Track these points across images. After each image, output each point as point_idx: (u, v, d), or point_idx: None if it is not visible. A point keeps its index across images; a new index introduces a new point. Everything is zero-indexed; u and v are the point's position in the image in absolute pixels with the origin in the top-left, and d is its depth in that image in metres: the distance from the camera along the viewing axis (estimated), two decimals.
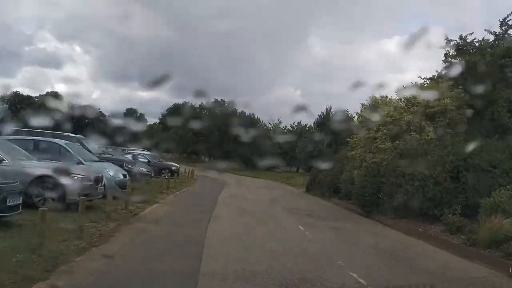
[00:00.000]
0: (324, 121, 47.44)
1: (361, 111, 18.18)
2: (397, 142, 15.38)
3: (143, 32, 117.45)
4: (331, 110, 48.49)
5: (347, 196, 20.75)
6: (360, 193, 15.94)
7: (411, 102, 15.71)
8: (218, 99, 71.75)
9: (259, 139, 57.82)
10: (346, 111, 49.49)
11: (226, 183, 30.19)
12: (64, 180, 11.20)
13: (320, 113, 49.29)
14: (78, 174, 11.63)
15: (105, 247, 7.99)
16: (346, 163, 19.87)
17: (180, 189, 21.99)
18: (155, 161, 30.47)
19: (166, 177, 28.26)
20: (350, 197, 20.47)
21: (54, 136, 17.67)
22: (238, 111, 62.01)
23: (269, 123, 62.16)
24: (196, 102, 73.45)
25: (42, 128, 19.99)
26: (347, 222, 13.80)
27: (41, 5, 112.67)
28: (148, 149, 72.47)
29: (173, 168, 30.56)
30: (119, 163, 19.08)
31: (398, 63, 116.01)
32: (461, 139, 14.16)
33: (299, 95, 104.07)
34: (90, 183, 11.84)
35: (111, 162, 17.36)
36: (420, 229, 12.54)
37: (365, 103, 17.53)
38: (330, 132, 46.10)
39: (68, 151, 14.97)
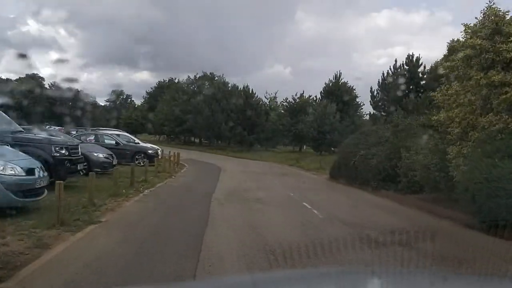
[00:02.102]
0: (333, 89, 39.52)
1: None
2: None
3: (129, 12, 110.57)
4: (341, 77, 40.55)
5: (410, 188, 13.18)
6: (474, 190, 8.27)
7: None
8: (207, 73, 63.39)
9: (256, 115, 49.97)
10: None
11: (222, 170, 22.46)
12: None
13: (327, 81, 41.38)
14: None
15: None
16: (420, 136, 12.08)
17: (154, 185, 14.17)
18: (124, 143, 22.51)
19: (141, 164, 20.71)
20: (416, 190, 12.91)
21: None
22: (230, 84, 53.71)
23: (265, 97, 54.04)
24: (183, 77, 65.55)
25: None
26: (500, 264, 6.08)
27: None
28: (129, 131, 63.83)
29: (149, 151, 22.65)
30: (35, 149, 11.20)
31: (387, 37, 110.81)
32: None
33: (289, 73, 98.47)
34: None
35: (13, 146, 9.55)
36: None
37: (473, 24, 9.48)
38: (341, 102, 38.41)
39: None
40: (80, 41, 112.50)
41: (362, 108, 42.98)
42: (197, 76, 65.00)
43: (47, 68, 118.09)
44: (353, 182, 17.05)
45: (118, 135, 26.66)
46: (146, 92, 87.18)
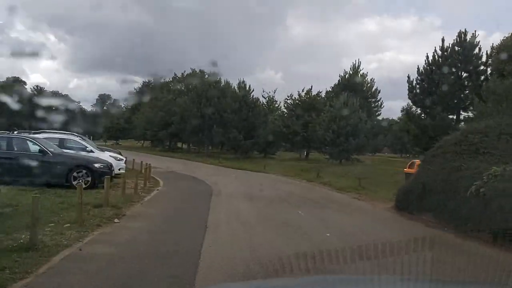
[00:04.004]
0: (351, 83, 31.11)
1: None
2: None
3: (120, 18, 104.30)
4: (360, 67, 32.09)
5: None
6: None
7: None
8: (196, 70, 54.47)
9: (254, 116, 41.29)
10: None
11: (214, 193, 13.88)
12: None
13: (342, 73, 32.98)
14: None
15: None
16: None
17: (34, 269, 5.46)
18: (58, 151, 13.66)
19: (83, 185, 12.22)
20: None
21: None
22: (222, 81, 44.94)
23: (262, 96, 45.34)
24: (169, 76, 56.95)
25: None
26: None
27: None
28: (111, 137, 53.95)
29: (96, 165, 13.79)
30: None
31: (377, 42, 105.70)
32: None
33: (280, 78, 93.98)
34: None
35: None
36: None
37: None
38: (362, 97, 30.01)
39: None
40: (70, 47, 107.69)
41: (383, 106, 34.31)
42: (185, 73, 56.33)
43: (36, 74, 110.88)
44: (467, 228, 8.54)
45: (62, 139, 18.16)
46: (129, 93, 78.38)
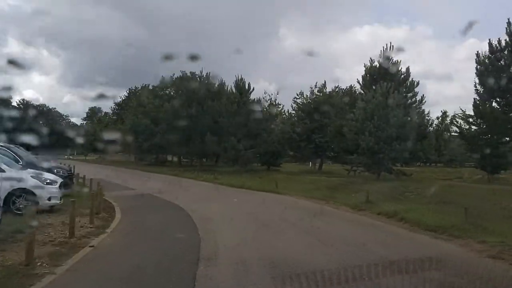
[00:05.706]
0: (382, 73, 24.01)
1: None
2: None
3: (113, 32, 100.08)
4: (392, 51, 24.95)
5: None
6: None
7: None
8: (187, 73, 47.32)
9: (255, 120, 34.14)
10: None
11: (205, 248, 6.48)
12: None
13: (368, 61, 25.90)
14: None
15: None
16: None
17: None
18: None
19: None
20: None
21: None
22: (217, 81, 37.75)
23: (263, 98, 37.99)
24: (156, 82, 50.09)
25: None
26: None
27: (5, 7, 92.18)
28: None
29: None
30: None
31: (369, 52, 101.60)
32: None
33: (274, 89, 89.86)
34: None
35: None
36: None
37: None
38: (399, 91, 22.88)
39: None
40: (63, 62, 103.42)
41: (425, 101, 26.28)
42: (174, 77, 49.18)
43: (29, 90, 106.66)
44: None
45: None
46: (114, 102, 71.23)
